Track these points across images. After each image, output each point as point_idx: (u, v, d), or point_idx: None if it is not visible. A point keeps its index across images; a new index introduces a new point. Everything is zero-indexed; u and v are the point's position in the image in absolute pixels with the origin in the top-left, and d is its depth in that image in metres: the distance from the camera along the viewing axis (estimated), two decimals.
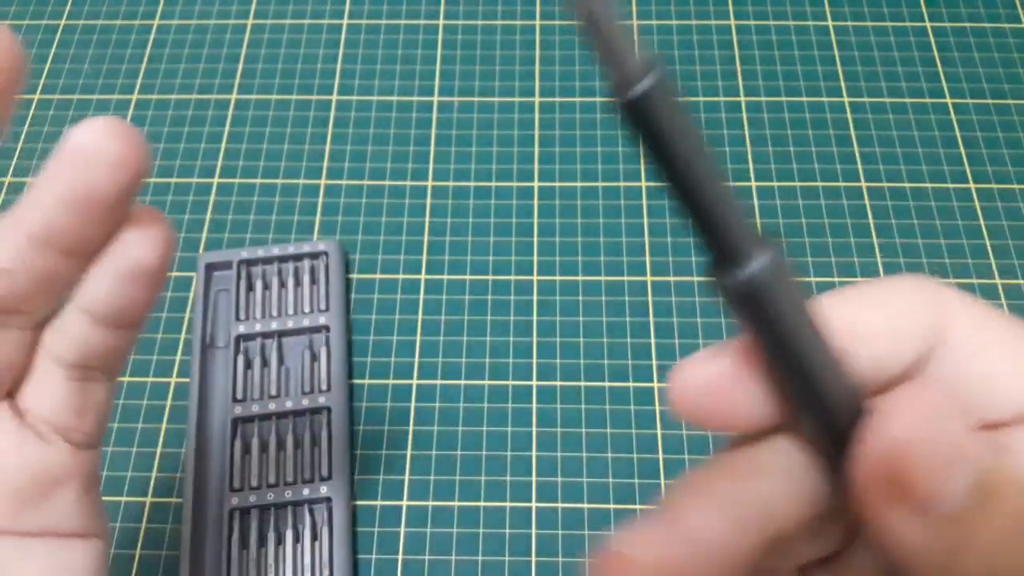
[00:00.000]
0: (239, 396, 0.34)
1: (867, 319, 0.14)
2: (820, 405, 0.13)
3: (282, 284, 0.37)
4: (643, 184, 0.41)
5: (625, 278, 0.38)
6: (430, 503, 0.34)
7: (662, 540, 0.13)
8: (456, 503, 0.34)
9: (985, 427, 0.13)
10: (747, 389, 0.13)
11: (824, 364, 0.13)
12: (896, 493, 0.12)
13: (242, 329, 0.36)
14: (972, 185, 0.41)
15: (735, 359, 0.13)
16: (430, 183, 0.41)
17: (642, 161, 0.40)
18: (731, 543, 0.13)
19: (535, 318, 0.37)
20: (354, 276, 0.39)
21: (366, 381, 0.36)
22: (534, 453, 0.35)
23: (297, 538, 0.32)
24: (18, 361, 0.19)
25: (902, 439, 0.12)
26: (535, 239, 0.39)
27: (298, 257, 0.37)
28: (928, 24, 0.45)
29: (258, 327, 0.36)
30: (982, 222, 0.40)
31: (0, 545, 0.18)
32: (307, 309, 0.36)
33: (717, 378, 0.13)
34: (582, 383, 0.36)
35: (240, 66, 0.45)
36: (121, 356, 0.19)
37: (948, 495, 0.11)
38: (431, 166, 0.41)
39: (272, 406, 0.34)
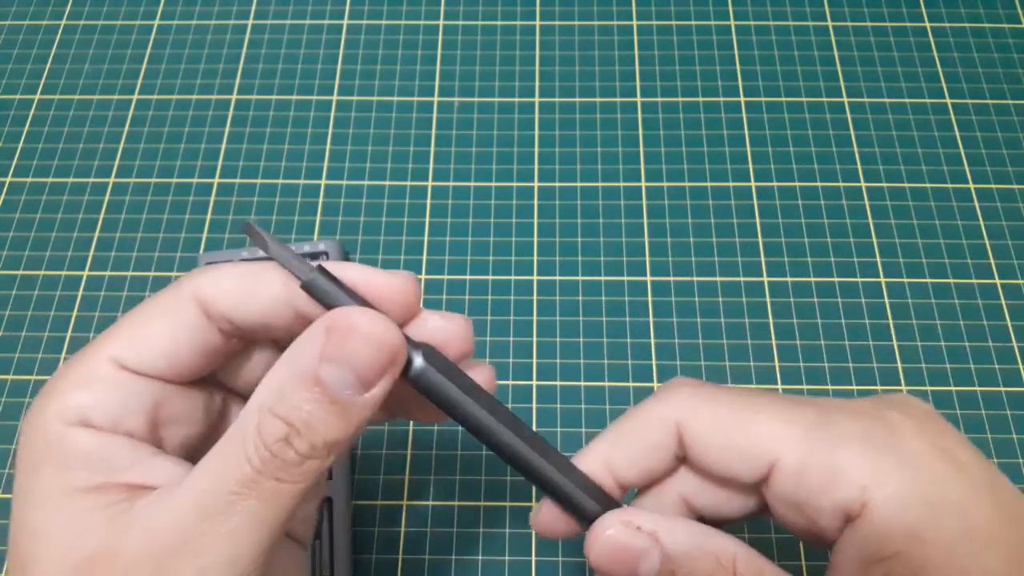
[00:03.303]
0: None
1: (617, 453, 0.23)
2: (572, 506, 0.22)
3: None
4: (643, 184, 0.41)
5: (625, 278, 0.38)
6: (430, 503, 0.34)
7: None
8: (456, 503, 0.34)
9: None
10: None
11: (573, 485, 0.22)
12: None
13: None
14: (971, 185, 0.41)
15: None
16: (430, 183, 0.41)
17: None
18: None
19: (535, 318, 0.37)
20: None
21: None
22: None
23: None
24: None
25: (596, 551, 0.21)
26: (535, 239, 0.39)
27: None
28: (928, 24, 0.45)
29: None
30: (981, 222, 0.40)
31: None
32: None
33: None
34: (582, 383, 0.36)
35: (240, 66, 0.45)
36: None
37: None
38: (431, 166, 0.41)
39: None
